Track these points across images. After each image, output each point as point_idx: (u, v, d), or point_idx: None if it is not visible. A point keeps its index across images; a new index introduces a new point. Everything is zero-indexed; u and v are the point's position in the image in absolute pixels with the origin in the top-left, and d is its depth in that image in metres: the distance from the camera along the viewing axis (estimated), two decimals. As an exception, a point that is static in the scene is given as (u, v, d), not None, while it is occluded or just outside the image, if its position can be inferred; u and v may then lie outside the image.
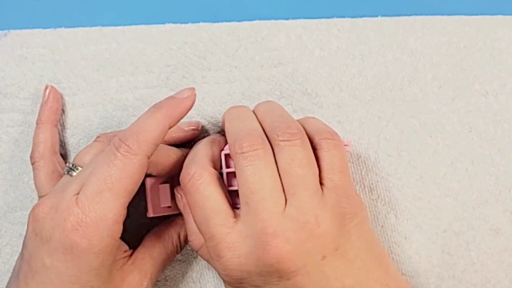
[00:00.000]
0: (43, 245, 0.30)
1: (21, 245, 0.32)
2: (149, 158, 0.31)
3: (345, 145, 0.34)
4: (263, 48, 0.39)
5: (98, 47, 0.39)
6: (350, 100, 0.39)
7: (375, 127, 0.39)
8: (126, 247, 0.35)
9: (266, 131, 0.32)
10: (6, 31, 0.39)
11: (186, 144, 0.38)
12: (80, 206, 0.29)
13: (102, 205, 0.29)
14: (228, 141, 0.32)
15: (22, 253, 0.32)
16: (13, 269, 0.33)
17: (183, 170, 0.32)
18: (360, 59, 0.39)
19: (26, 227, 0.31)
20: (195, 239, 0.34)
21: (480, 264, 0.38)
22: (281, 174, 0.31)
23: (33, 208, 0.31)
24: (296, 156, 0.31)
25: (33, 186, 0.36)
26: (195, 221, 0.32)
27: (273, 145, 0.31)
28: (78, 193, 0.30)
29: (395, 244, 0.39)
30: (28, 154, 0.36)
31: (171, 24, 0.39)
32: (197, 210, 0.31)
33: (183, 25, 0.39)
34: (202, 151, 0.33)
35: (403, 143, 0.39)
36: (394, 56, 0.40)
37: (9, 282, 0.32)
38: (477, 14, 0.40)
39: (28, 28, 0.39)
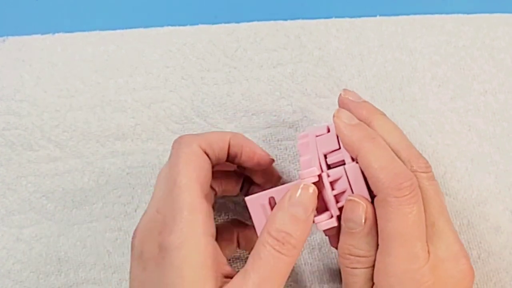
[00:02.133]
0: None
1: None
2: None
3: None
4: (262, 48, 0.39)
5: (97, 49, 0.38)
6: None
7: (375, 127, 0.39)
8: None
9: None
10: (5, 37, 0.39)
11: None
12: None
13: None
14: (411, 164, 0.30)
15: None
16: None
17: (400, 178, 0.28)
18: (359, 59, 0.39)
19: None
20: (367, 252, 0.30)
21: (481, 262, 0.38)
22: None
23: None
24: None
25: (31, 189, 0.35)
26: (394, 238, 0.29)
27: None
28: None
29: (396, 244, 0.39)
30: (25, 157, 0.36)
31: (169, 27, 0.39)
32: (413, 225, 0.29)
33: (182, 27, 0.39)
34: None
35: (403, 142, 0.39)
36: (393, 55, 0.40)
37: None
38: (476, 13, 0.41)
39: (26, 34, 0.39)
